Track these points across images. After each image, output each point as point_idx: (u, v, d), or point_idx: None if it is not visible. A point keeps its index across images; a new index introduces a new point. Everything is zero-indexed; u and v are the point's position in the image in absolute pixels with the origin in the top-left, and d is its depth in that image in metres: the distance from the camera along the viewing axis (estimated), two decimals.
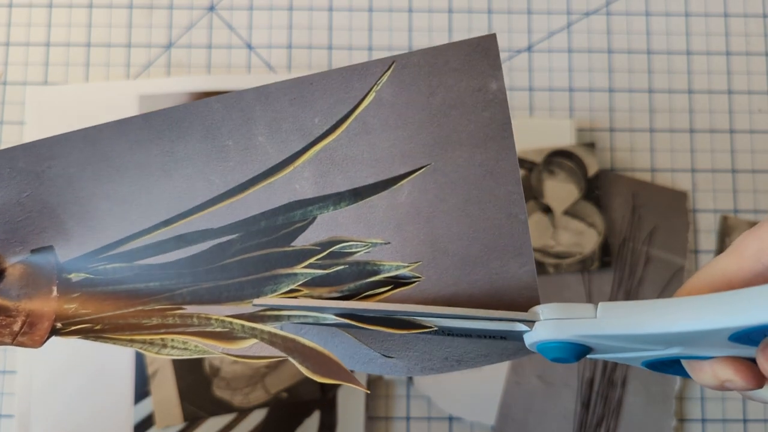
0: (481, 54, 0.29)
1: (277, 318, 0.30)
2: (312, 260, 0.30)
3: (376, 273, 0.30)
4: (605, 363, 0.52)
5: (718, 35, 0.57)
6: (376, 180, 0.30)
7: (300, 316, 0.30)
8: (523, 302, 0.30)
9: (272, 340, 0.30)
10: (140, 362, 0.51)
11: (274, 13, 0.57)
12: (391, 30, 0.56)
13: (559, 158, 0.54)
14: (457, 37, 0.56)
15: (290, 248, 0.30)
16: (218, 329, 0.30)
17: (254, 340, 0.30)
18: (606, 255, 0.53)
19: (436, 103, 0.29)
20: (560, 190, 0.53)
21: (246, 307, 0.30)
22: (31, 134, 0.54)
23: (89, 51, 0.56)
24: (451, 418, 0.52)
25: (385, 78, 0.29)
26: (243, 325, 0.30)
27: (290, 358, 0.29)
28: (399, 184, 0.30)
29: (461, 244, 0.30)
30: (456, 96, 0.29)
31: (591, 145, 0.54)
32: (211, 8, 0.57)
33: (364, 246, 0.30)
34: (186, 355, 0.30)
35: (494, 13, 0.57)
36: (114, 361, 0.52)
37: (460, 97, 0.29)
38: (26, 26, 0.56)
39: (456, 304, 0.30)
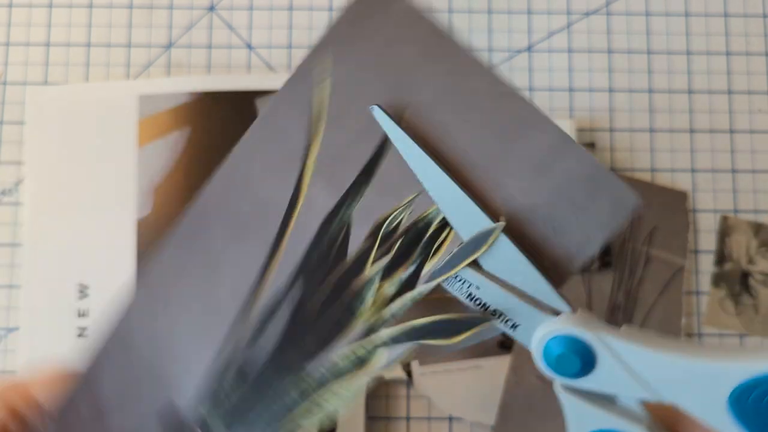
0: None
1: (380, 321, 0.30)
2: (372, 256, 0.30)
3: (429, 224, 0.30)
4: None
5: (718, 35, 0.57)
6: (374, 148, 0.30)
7: (402, 307, 0.30)
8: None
9: (395, 339, 0.29)
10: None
11: (274, 13, 0.57)
12: None
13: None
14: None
15: (349, 260, 0.30)
16: (348, 364, 0.30)
17: (383, 350, 0.29)
18: (606, 255, 0.53)
19: (391, 52, 0.30)
20: None
21: (354, 331, 0.30)
22: (31, 134, 0.54)
23: (89, 51, 0.56)
24: (451, 418, 0.52)
25: (329, 64, 0.30)
26: (363, 347, 0.30)
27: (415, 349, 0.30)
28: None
29: (486, 152, 0.29)
30: (404, 36, 0.30)
31: (591, 145, 0.54)
32: (211, 8, 0.57)
33: (403, 209, 0.30)
34: (348, 401, 0.30)
35: (494, 13, 0.57)
36: None
37: (407, 36, 0.30)
38: (26, 26, 0.56)
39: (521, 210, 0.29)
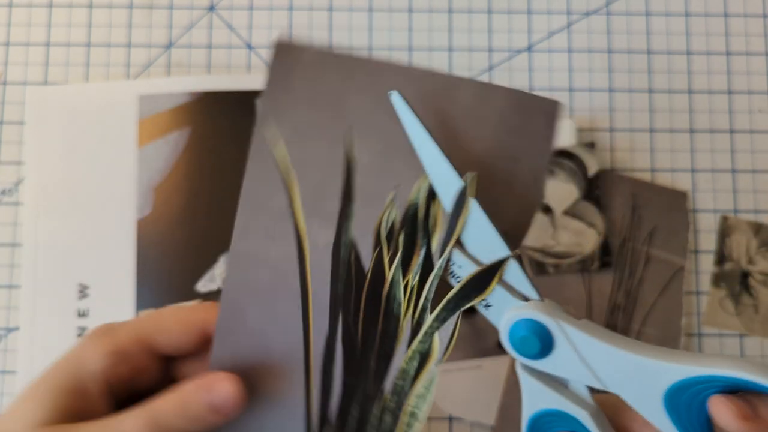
0: None
1: (421, 311, 0.32)
2: (385, 260, 0.32)
3: (416, 207, 0.32)
4: None
5: (718, 35, 0.57)
6: (343, 173, 0.32)
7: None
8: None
9: (440, 318, 0.31)
10: None
11: (274, 13, 0.57)
12: (391, 30, 0.56)
13: (559, 158, 0.54)
14: (457, 36, 0.56)
15: (369, 273, 0.32)
16: (414, 364, 0.32)
17: (436, 335, 0.31)
18: (606, 255, 0.53)
19: (320, 92, 0.33)
20: (560, 190, 0.53)
21: (404, 332, 0.32)
22: (31, 134, 0.54)
23: (89, 51, 0.56)
24: (451, 418, 0.52)
25: (274, 128, 0.33)
26: (419, 341, 0.31)
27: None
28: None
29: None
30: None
31: (591, 145, 0.54)
32: (211, 8, 0.57)
33: (389, 208, 0.32)
34: (430, 396, 0.32)
35: (494, 13, 0.57)
36: None
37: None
38: (26, 26, 0.56)
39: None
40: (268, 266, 0.32)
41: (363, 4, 0.57)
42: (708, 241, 0.54)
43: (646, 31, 0.57)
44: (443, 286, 0.31)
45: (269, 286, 0.32)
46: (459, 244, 0.31)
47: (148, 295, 0.52)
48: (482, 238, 0.30)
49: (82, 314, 0.52)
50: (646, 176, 0.55)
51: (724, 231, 0.54)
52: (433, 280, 0.31)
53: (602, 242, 0.53)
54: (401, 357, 0.31)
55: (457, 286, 0.31)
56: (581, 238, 0.53)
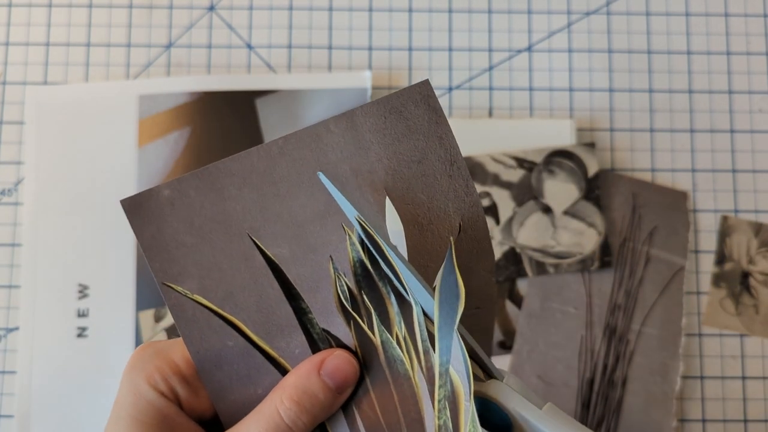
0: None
1: (423, 355, 0.30)
2: (364, 327, 0.31)
3: (361, 262, 0.31)
4: (605, 363, 0.52)
5: (719, 35, 0.57)
6: (272, 274, 0.31)
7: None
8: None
9: (443, 350, 0.29)
10: None
11: (274, 13, 0.57)
12: (391, 30, 0.56)
13: (559, 158, 0.54)
14: (457, 36, 0.56)
15: (357, 350, 0.31)
16: (446, 412, 0.29)
17: (451, 369, 0.29)
18: (606, 255, 0.53)
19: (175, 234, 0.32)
20: (560, 190, 0.53)
21: (421, 387, 0.30)
22: (31, 134, 0.54)
23: (89, 51, 0.56)
24: None
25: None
26: (440, 387, 0.29)
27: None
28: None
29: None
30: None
31: (591, 145, 0.54)
32: (211, 8, 0.57)
33: (337, 278, 0.31)
34: None
35: (494, 13, 0.57)
36: (114, 361, 0.52)
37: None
38: (26, 26, 0.56)
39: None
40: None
41: (363, 4, 0.57)
42: (708, 241, 0.54)
43: (646, 31, 0.57)
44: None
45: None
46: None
47: (148, 295, 0.52)
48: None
49: (82, 314, 0.52)
50: (646, 176, 0.55)
51: (725, 231, 0.54)
52: (418, 318, 0.29)
53: (602, 242, 0.53)
54: (431, 417, 0.29)
55: (435, 306, 0.28)
56: (581, 238, 0.53)
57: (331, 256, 0.31)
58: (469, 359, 0.27)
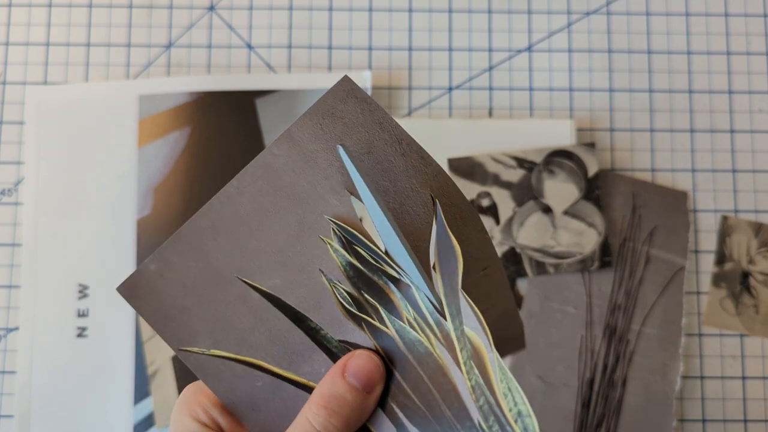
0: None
1: (438, 331, 0.30)
2: (376, 324, 0.31)
3: (352, 265, 0.31)
4: (605, 363, 0.52)
5: (719, 35, 0.57)
6: (281, 308, 0.32)
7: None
8: None
9: (452, 313, 0.30)
10: (140, 362, 0.51)
11: (274, 13, 0.57)
12: (391, 30, 0.56)
13: (559, 158, 0.54)
14: (457, 36, 0.56)
15: (375, 347, 0.31)
16: (474, 374, 0.29)
17: (467, 330, 0.29)
18: (606, 255, 0.53)
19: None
20: (560, 190, 0.53)
21: (446, 359, 0.30)
22: (31, 134, 0.54)
23: (89, 51, 0.56)
24: None
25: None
26: (462, 349, 0.29)
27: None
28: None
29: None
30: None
31: (591, 145, 0.54)
32: (211, 8, 0.57)
33: (336, 288, 0.31)
34: (517, 389, 0.29)
35: (494, 13, 0.57)
36: (114, 361, 0.52)
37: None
38: (26, 26, 0.56)
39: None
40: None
41: (363, 4, 0.56)
42: (708, 241, 0.54)
43: (646, 30, 0.57)
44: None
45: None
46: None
47: None
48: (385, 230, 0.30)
49: (82, 314, 0.52)
50: (646, 176, 0.55)
51: (725, 231, 0.54)
52: (421, 297, 0.30)
53: (602, 242, 0.53)
54: (462, 380, 0.29)
55: (437, 271, 0.29)
56: (581, 238, 0.53)
57: (321, 270, 0.31)
58: (478, 311, 0.28)
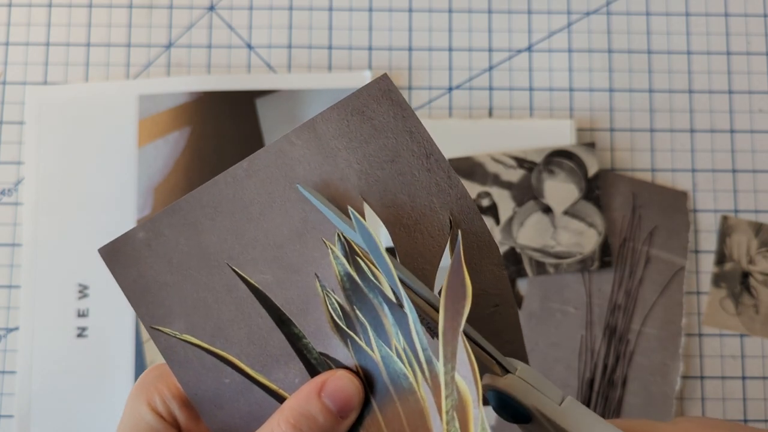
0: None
1: (424, 361, 0.29)
2: (361, 344, 0.29)
3: (347, 274, 0.29)
4: (605, 363, 0.52)
5: (719, 35, 0.57)
6: (259, 301, 0.30)
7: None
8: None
9: (447, 359, 0.27)
10: (140, 362, 0.51)
11: (274, 13, 0.57)
12: (391, 30, 0.56)
13: (559, 158, 0.54)
14: (457, 36, 0.56)
15: (358, 369, 0.29)
16: (456, 424, 0.27)
17: (456, 376, 0.27)
18: (606, 255, 0.53)
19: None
20: (560, 190, 0.53)
21: (428, 401, 0.28)
22: (30, 134, 0.54)
23: (89, 51, 0.56)
24: None
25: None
26: (447, 398, 0.27)
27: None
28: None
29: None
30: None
31: (591, 145, 0.54)
32: (211, 8, 0.57)
33: (325, 296, 0.29)
34: None
35: (494, 13, 0.57)
36: (114, 361, 0.52)
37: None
38: (26, 26, 0.56)
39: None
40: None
41: (363, 4, 0.57)
42: (708, 241, 0.54)
43: (646, 31, 0.57)
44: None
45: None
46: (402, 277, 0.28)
47: None
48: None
49: (82, 314, 0.52)
50: (646, 176, 0.55)
51: (725, 231, 0.54)
52: (415, 326, 0.28)
53: (602, 242, 0.53)
54: (440, 428, 0.27)
55: (440, 310, 0.27)
56: (581, 238, 0.53)
57: (316, 274, 0.29)
58: (474, 361, 0.26)
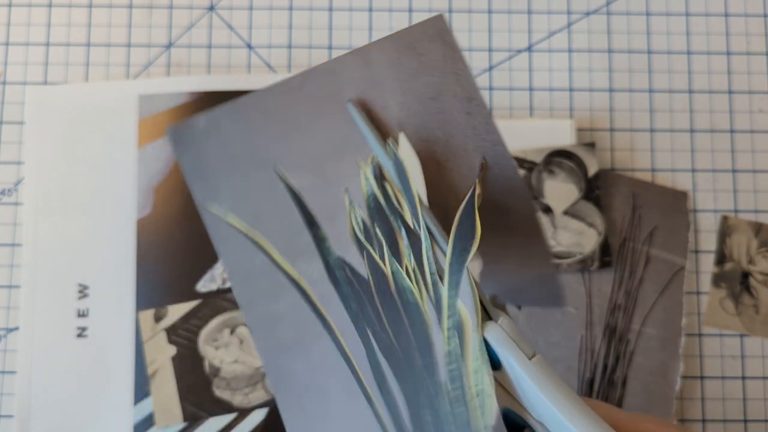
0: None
1: (432, 287, 0.31)
2: (376, 257, 0.32)
3: (374, 195, 0.32)
4: (605, 363, 0.52)
5: (719, 35, 0.57)
6: (293, 203, 0.33)
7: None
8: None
9: (452, 283, 0.30)
10: (140, 362, 0.51)
11: (274, 13, 0.57)
12: (391, 30, 0.56)
13: (559, 158, 0.54)
14: (457, 36, 0.56)
15: (369, 278, 0.32)
16: (455, 340, 0.30)
17: (459, 301, 0.30)
18: (606, 255, 0.53)
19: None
20: (560, 190, 0.53)
21: (430, 316, 0.31)
22: (30, 134, 0.54)
23: (89, 51, 0.56)
24: None
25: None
26: (448, 317, 0.30)
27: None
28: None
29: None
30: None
31: (591, 145, 0.54)
32: (211, 8, 0.57)
33: (351, 211, 0.32)
34: (485, 365, 0.30)
35: (494, 13, 0.57)
36: (114, 360, 0.52)
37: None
38: (26, 26, 0.56)
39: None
40: (285, 321, 0.32)
41: (363, 4, 0.57)
42: (708, 241, 0.54)
43: (646, 31, 0.57)
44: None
45: (296, 337, 0.32)
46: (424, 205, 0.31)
47: (148, 295, 0.52)
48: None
49: (82, 314, 0.52)
50: (646, 176, 0.55)
51: (725, 231, 0.54)
52: (426, 253, 0.30)
53: (602, 242, 0.53)
54: (441, 341, 0.30)
55: (450, 246, 0.29)
56: (581, 238, 0.53)
57: (347, 189, 0.32)
58: (477, 293, 0.28)
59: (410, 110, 0.31)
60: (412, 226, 0.31)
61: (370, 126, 0.31)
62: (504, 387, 0.30)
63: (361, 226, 0.32)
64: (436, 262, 0.30)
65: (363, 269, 0.32)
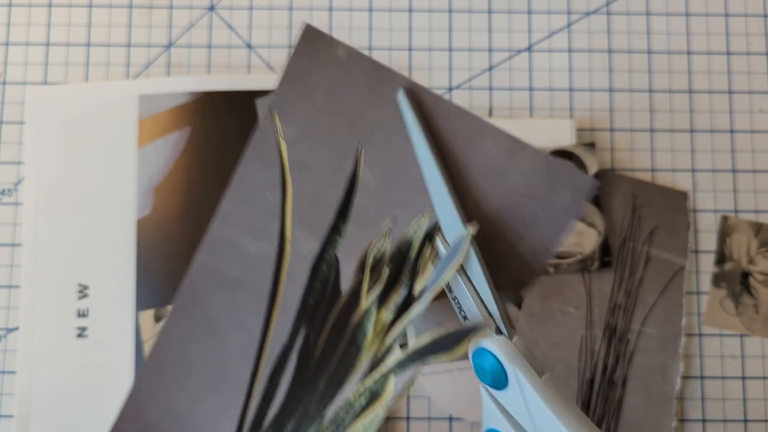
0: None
1: (384, 350, 0.30)
2: (364, 288, 0.31)
3: (410, 245, 0.31)
4: (605, 363, 0.52)
5: (719, 35, 0.57)
6: (345, 187, 0.32)
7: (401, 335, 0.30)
8: None
9: (401, 364, 0.30)
10: (140, 362, 0.51)
11: (274, 12, 0.57)
12: (391, 30, 0.56)
13: (559, 158, 0.54)
14: (457, 36, 0.56)
15: (344, 296, 0.31)
16: (362, 400, 0.30)
17: (392, 378, 0.30)
18: (606, 255, 0.53)
19: (337, 96, 0.34)
20: None
21: (362, 365, 0.30)
22: (30, 134, 0.54)
23: (89, 51, 0.56)
24: (451, 418, 0.52)
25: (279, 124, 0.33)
26: (374, 379, 0.30)
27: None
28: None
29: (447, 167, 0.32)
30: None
31: (591, 145, 0.54)
32: (211, 8, 0.57)
33: (383, 237, 0.31)
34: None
35: (494, 13, 0.57)
36: (114, 361, 0.52)
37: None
38: (26, 26, 0.56)
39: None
40: (242, 260, 0.31)
41: (363, 4, 0.57)
42: (708, 241, 0.54)
43: (646, 31, 0.57)
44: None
45: (239, 280, 0.31)
46: (446, 290, 0.30)
47: (148, 295, 0.52)
48: (473, 289, 0.30)
49: (82, 314, 0.52)
50: (646, 176, 0.55)
51: (725, 231, 0.54)
52: (406, 323, 0.30)
53: (602, 242, 0.53)
54: (351, 389, 0.30)
55: (427, 340, 0.29)
56: (581, 238, 0.53)
57: (395, 216, 0.31)
58: (411, 385, 0.28)
59: (496, 216, 0.31)
60: (415, 295, 0.30)
61: (417, 117, 0.30)
62: (500, 406, 0.30)
63: (377, 255, 0.31)
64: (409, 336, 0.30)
65: (345, 285, 0.31)
